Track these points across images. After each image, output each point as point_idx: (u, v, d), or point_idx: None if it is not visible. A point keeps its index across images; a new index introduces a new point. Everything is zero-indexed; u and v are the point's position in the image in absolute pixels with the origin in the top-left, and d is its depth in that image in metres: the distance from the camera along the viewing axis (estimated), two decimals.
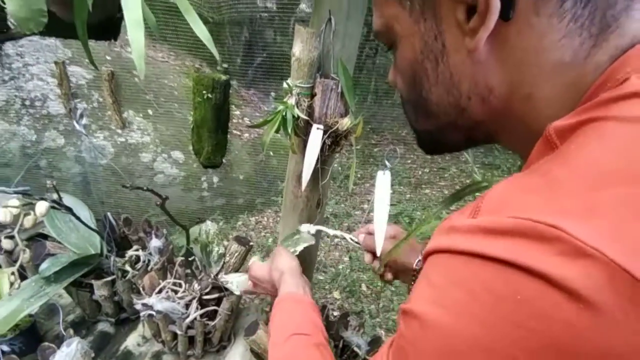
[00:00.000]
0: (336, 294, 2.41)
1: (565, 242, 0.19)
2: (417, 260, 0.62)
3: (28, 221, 0.73)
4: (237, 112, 3.56)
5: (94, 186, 2.31)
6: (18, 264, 0.76)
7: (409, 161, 4.17)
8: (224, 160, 2.97)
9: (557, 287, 0.18)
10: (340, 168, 3.64)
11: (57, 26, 0.74)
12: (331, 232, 0.76)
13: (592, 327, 0.18)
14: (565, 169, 0.22)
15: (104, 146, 2.31)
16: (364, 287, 2.44)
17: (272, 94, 3.85)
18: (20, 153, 2.20)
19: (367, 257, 0.70)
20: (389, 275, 0.67)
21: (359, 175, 3.77)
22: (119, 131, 2.44)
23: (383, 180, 0.63)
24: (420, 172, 4.01)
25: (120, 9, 0.81)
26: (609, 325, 0.18)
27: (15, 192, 0.62)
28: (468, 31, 0.28)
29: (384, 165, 0.63)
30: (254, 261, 0.71)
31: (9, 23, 0.83)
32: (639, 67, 0.23)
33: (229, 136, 3.23)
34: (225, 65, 4.21)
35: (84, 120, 2.12)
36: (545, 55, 0.27)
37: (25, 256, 0.78)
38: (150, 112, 2.73)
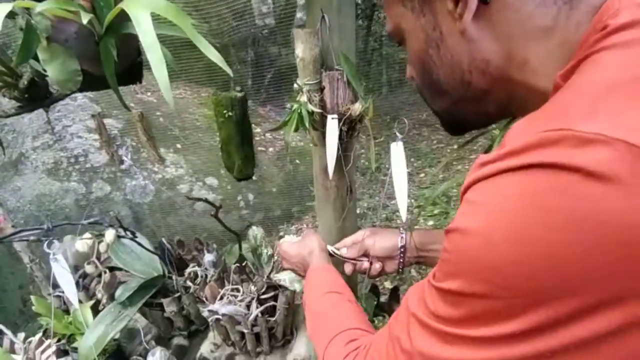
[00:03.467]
0: (387, 284, 2.43)
1: (571, 138, 0.22)
2: (400, 237, 0.66)
3: (102, 247, 0.84)
4: (258, 130, 3.69)
5: (143, 222, 2.48)
6: (102, 283, 0.87)
7: (435, 141, 4.12)
8: (255, 177, 3.09)
9: (571, 170, 0.22)
10: (367, 162, 3.67)
11: (90, 81, 0.85)
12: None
13: (606, 195, 0.21)
14: (568, 92, 0.27)
15: (145, 185, 2.49)
16: (413, 272, 2.44)
17: (288, 105, 3.94)
18: (75, 206, 2.40)
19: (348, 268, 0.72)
20: (376, 266, 0.70)
21: (387, 166, 3.77)
22: (155, 169, 2.61)
23: (397, 150, 0.68)
24: (449, 150, 3.95)
25: (139, 54, 0.91)
26: (621, 191, 0.20)
27: (89, 223, 0.73)
28: (457, 17, 0.34)
29: (395, 136, 0.68)
30: (284, 239, 0.79)
31: (50, 89, 0.95)
32: (612, 14, 0.27)
33: (254, 153, 3.35)
34: (238, 88, 4.37)
35: (123, 166, 2.30)
36: (528, 24, 0.31)
37: (106, 276, 0.89)
38: (179, 146, 2.90)
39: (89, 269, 0.89)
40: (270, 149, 3.50)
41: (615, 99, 0.23)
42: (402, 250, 0.69)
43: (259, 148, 3.35)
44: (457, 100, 0.40)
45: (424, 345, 0.31)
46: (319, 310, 0.57)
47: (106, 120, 2.54)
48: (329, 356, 0.48)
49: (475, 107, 0.40)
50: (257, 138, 3.53)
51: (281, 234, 3.22)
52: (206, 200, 0.96)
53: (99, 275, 1.11)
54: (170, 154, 2.78)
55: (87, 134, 2.44)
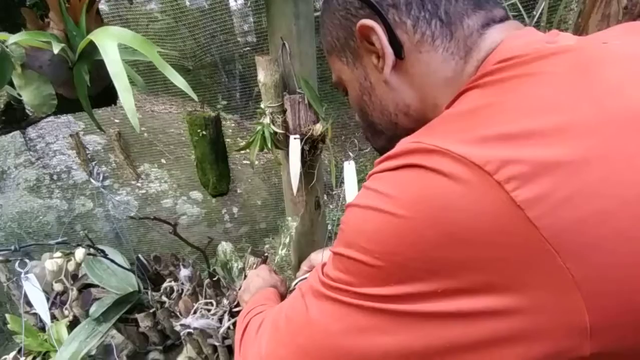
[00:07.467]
0: None
1: (422, 148, 0.29)
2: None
3: (71, 266, 0.87)
4: (244, 144, 3.73)
5: (125, 238, 2.49)
6: (69, 302, 0.90)
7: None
8: (239, 189, 3.12)
9: (428, 169, 0.28)
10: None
11: (65, 104, 0.89)
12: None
13: (453, 192, 0.26)
14: (436, 119, 0.34)
15: (128, 200, 2.50)
16: None
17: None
18: (57, 223, 2.41)
19: None
20: None
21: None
22: (139, 184, 2.63)
23: (349, 169, 0.73)
24: None
25: None
26: (463, 190, 0.26)
27: (57, 243, 0.76)
28: (380, 70, 0.41)
29: (349, 156, 0.73)
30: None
31: (27, 111, 0.99)
32: (489, 72, 0.34)
33: (240, 167, 3.38)
34: (224, 102, 4.41)
35: (106, 182, 2.32)
36: (436, 76, 0.39)
37: (73, 293, 0.92)
38: (163, 161, 2.93)
39: (57, 287, 0.92)
40: (256, 162, 3.54)
41: (452, 123, 0.31)
42: None
43: (244, 161, 3.39)
44: (390, 138, 0.46)
45: (312, 308, 0.35)
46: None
47: (90, 137, 2.57)
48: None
49: None
50: (242, 152, 3.56)
51: (266, 246, 3.24)
52: (158, 219, 0.99)
53: (79, 291, 1.14)
54: (154, 169, 2.80)
55: (70, 150, 2.46)
